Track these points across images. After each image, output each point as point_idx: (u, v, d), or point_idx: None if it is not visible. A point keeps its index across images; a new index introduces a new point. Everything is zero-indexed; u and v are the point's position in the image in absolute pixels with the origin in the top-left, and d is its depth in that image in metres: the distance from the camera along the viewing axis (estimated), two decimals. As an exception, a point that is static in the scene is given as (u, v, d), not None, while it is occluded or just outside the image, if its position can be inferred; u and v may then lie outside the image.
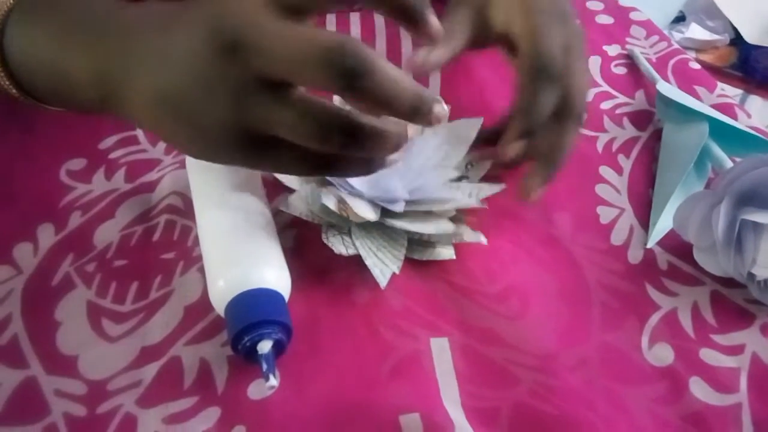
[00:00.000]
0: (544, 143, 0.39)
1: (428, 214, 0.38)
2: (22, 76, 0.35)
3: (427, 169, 0.40)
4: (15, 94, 0.36)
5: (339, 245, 0.36)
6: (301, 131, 0.28)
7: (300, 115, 0.28)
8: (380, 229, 0.38)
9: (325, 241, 0.36)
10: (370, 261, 0.36)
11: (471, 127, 0.43)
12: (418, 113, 0.27)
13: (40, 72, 0.34)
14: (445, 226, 0.37)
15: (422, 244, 0.38)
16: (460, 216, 0.39)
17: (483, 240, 0.38)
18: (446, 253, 0.38)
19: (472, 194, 0.40)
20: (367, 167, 0.30)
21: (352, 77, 0.26)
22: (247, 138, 0.29)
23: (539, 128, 0.38)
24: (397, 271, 0.36)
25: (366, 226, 0.38)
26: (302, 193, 0.38)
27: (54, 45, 0.33)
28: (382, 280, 0.36)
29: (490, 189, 0.41)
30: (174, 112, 0.29)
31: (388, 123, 0.29)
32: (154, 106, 0.30)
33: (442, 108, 0.28)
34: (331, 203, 0.36)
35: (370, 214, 0.36)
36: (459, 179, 0.41)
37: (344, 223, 0.38)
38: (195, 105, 0.28)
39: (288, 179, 0.38)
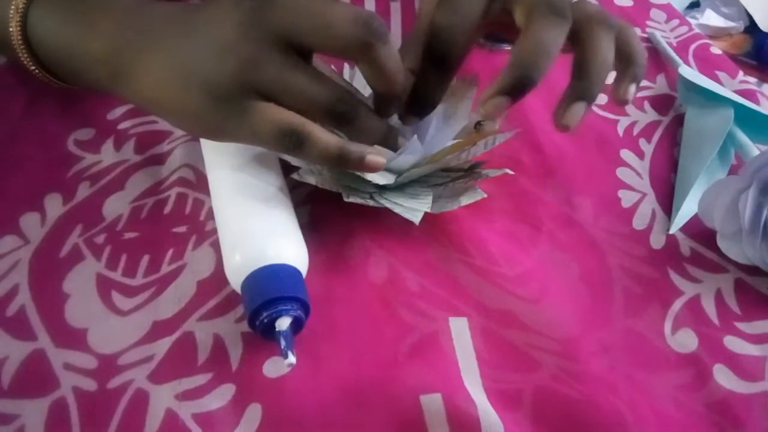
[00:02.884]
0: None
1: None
2: (43, 54, 0.37)
3: (436, 134, 0.39)
4: (35, 72, 0.38)
5: (361, 201, 0.35)
6: (310, 94, 0.31)
7: (313, 77, 0.31)
8: (405, 189, 0.37)
9: (346, 199, 0.35)
10: (398, 209, 0.35)
11: (467, 86, 0.41)
12: (398, 99, 0.34)
13: (59, 51, 0.36)
14: (466, 155, 0.37)
15: (449, 196, 0.37)
16: (477, 165, 0.39)
17: (509, 171, 0.38)
18: (475, 194, 0.37)
19: (488, 144, 0.38)
20: (334, 159, 0.32)
21: (377, 37, 0.30)
22: (248, 97, 0.31)
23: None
24: (428, 210, 0.35)
25: (391, 190, 0.37)
26: (312, 166, 0.37)
27: (76, 26, 0.35)
28: (416, 218, 0.34)
29: (502, 137, 0.39)
30: (183, 70, 0.31)
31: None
32: (164, 69, 0.32)
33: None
34: None
35: (380, 179, 0.36)
36: None
37: (364, 187, 0.37)
38: (209, 56, 0.31)
39: (294, 159, 0.37)
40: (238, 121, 0.31)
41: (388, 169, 0.36)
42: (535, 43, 0.32)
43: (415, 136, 0.35)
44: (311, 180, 0.35)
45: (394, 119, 0.37)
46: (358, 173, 0.36)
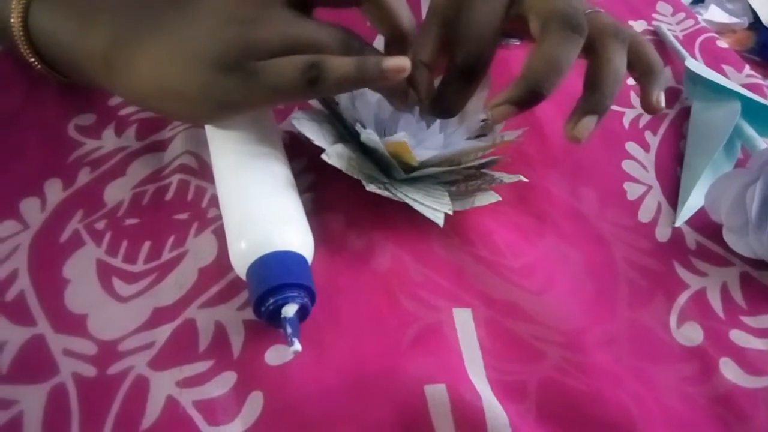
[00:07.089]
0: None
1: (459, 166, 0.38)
2: (42, 47, 0.37)
3: (453, 129, 0.39)
4: (35, 64, 0.38)
5: (382, 192, 0.35)
6: (319, 40, 0.31)
7: (317, 25, 0.32)
8: (417, 185, 0.37)
9: (367, 187, 0.35)
10: (419, 206, 0.35)
11: (480, 86, 0.40)
12: (407, 38, 0.34)
13: (58, 45, 0.36)
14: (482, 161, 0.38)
15: (461, 196, 0.37)
16: (488, 163, 0.39)
17: (523, 178, 0.37)
18: (489, 197, 0.37)
19: (496, 141, 0.38)
20: (354, 76, 0.31)
21: None
22: (255, 59, 0.31)
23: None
24: (450, 212, 0.35)
25: (404, 183, 0.37)
26: (339, 148, 0.36)
27: (75, 20, 0.35)
28: (439, 219, 0.35)
29: (511, 134, 0.39)
30: (185, 50, 0.31)
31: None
32: (164, 55, 0.32)
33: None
34: (372, 137, 0.34)
35: (426, 153, 0.36)
36: (478, 138, 0.40)
37: (382, 177, 0.37)
38: (210, 29, 0.31)
39: (317, 138, 0.37)
40: (251, 84, 0.31)
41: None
42: (547, 58, 0.31)
43: (437, 128, 0.35)
44: (337, 163, 0.35)
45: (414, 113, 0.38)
46: (395, 157, 0.35)
